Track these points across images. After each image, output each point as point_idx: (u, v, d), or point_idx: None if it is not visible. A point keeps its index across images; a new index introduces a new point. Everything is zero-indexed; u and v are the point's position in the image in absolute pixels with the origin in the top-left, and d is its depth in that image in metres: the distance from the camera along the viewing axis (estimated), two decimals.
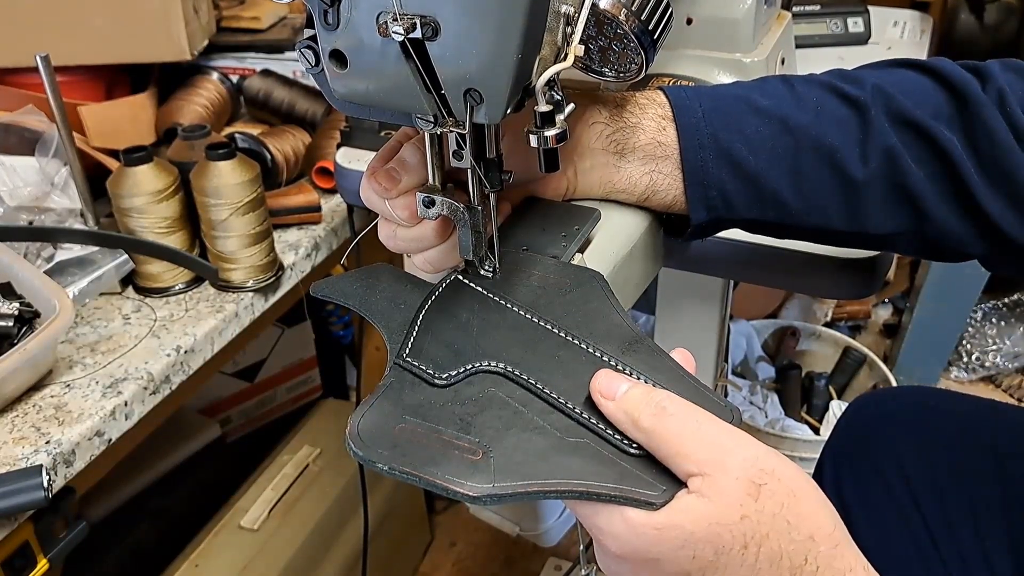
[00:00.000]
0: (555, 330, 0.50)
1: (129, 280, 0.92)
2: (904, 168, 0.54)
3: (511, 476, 0.41)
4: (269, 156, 1.03)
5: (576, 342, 0.49)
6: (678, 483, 0.41)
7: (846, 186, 0.55)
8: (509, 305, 0.52)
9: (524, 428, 0.44)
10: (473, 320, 0.51)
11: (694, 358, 0.48)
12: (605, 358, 0.48)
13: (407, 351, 0.49)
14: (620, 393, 0.44)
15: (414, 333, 0.51)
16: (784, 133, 0.55)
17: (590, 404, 0.45)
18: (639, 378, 0.46)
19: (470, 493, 0.40)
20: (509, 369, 0.47)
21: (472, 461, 0.42)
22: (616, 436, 0.44)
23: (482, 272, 0.54)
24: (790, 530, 0.40)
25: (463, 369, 0.48)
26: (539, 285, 0.53)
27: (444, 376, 0.47)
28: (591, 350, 0.48)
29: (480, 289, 0.53)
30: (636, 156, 0.58)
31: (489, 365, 0.48)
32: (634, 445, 0.43)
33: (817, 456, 0.96)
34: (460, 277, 0.54)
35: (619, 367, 0.47)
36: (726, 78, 0.79)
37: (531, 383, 0.46)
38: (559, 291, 0.52)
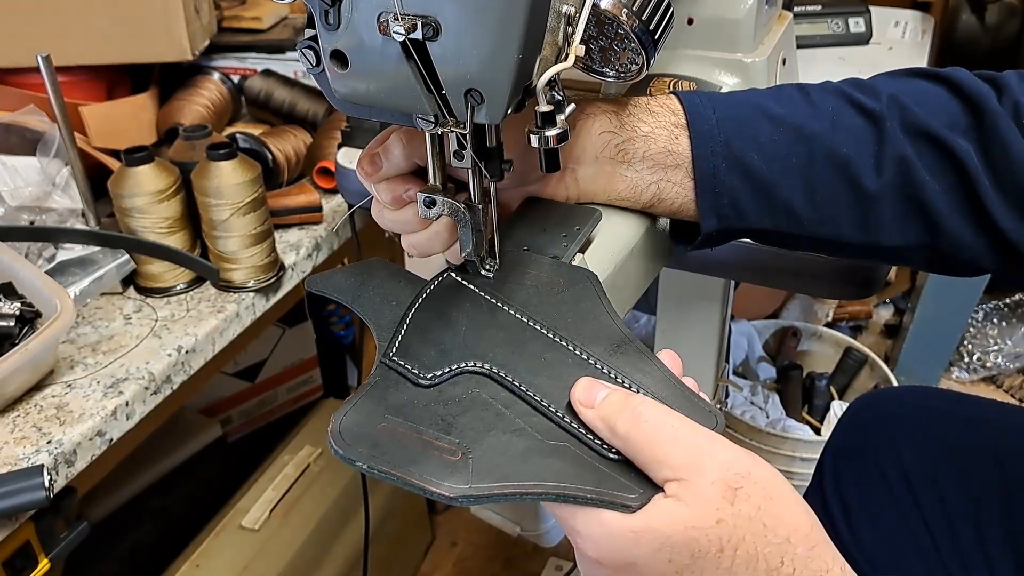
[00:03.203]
0: (544, 331, 0.49)
1: (130, 280, 0.92)
2: (918, 179, 0.54)
3: (489, 477, 0.41)
4: (270, 156, 1.03)
5: (563, 343, 0.49)
6: (656, 487, 0.41)
7: (859, 197, 0.55)
8: (500, 304, 0.51)
9: (505, 430, 0.44)
10: (462, 319, 0.51)
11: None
12: (591, 360, 0.47)
13: (394, 350, 0.49)
14: (598, 400, 0.44)
15: (402, 331, 0.50)
16: (798, 142, 0.55)
17: (572, 408, 0.45)
18: (623, 381, 0.46)
19: (447, 493, 0.40)
20: (494, 370, 0.47)
21: (451, 462, 0.42)
22: (596, 441, 0.43)
23: (483, 272, 0.54)
24: (766, 532, 0.40)
25: (448, 369, 0.47)
26: (532, 284, 0.53)
27: (428, 376, 0.47)
28: (578, 352, 0.48)
29: (472, 288, 0.53)
30: (645, 165, 0.57)
31: (475, 366, 0.47)
32: (613, 450, 0.43)
33: (818, 456, 0.96)
34: (453, 275, 0.54)
35: (605, 370, 0.47)
36: (727, 78, 0.79)
37: (515, 385, 0.46)
38: (551, 291, 0.52)
